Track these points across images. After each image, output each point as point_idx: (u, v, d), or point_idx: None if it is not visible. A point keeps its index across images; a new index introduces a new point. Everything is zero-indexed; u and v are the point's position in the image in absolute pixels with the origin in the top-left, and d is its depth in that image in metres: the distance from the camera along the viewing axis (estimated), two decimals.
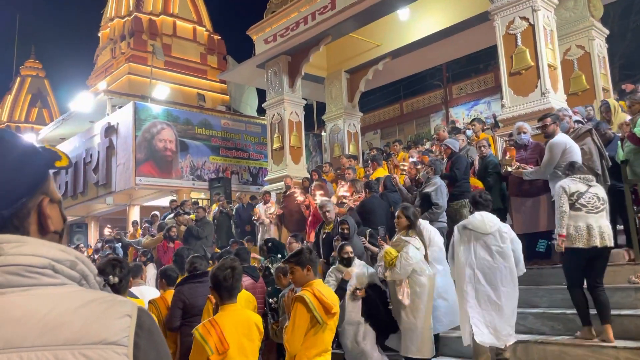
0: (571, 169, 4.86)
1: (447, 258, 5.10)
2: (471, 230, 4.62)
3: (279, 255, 6.16)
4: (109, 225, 13.48)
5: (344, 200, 7.58)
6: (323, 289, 3.32)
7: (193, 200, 13.50)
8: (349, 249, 5.11)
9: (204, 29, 25.72)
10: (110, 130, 16.15)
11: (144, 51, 22.89)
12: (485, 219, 4.64)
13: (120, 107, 16.70)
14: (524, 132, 6.33)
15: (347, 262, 5.05)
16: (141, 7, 24.06)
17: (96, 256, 11.41)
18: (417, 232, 4.89)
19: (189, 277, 4.41)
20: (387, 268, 4.79)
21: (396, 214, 5.06)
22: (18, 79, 36.33)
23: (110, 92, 18.63)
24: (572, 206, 4.60)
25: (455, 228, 4.85)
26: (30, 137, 22.95)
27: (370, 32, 12.17)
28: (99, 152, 16.64)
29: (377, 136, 27.51)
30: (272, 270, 5.62)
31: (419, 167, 7.26)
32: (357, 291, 4.96)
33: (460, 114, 23.67)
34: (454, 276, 4.87)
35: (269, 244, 6.67)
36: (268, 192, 10.73)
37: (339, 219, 6.28)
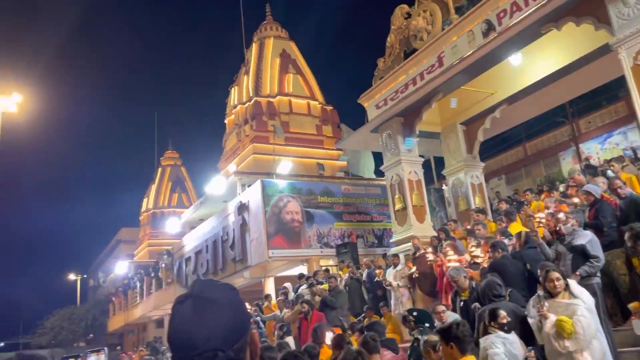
0: None
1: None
2: None
3: (427, 325, 5.65)
4: (246, 304, 14.11)
5: (477, 261, 7.27)
6: None
7: (324, 268, 13.77)
8: (503, 313, 4.39)
9: (317, 102, 27.14)
10: (242, 208, 17.29)
11: (265, 131, 24.65)
12: None
13: (249, 186, 17.89)
14: None
15: (507, 329, 4.31)
16: (259, 92, 26.16)
17: None
18: (571, 293, 4.46)
19: None
20: (565, 338, 4.24)
21: (550, 275, 4.58)
22: (159, 169, 40.69)
23: (239, 173, 20.13)
24: None
25: None
26: (174, 221, 25.31)
27: (482, 82, 11.99)
28: (233, 229, 17.81)
29: (502, 182, 26.29)
30: (421, 343, 5.15)
31: (560, 216, 6.69)
32: None
33: (593, 149, 21.94)
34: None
35: (414, 313, 6.14)
36: (396, 255, 10.64)
37: (473, 284, 6.00)
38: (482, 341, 4.23)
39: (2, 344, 42.65)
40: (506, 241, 6.82)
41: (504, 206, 9.46)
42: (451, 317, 5.05)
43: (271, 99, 25.88)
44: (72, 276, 48.38)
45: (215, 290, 1.12)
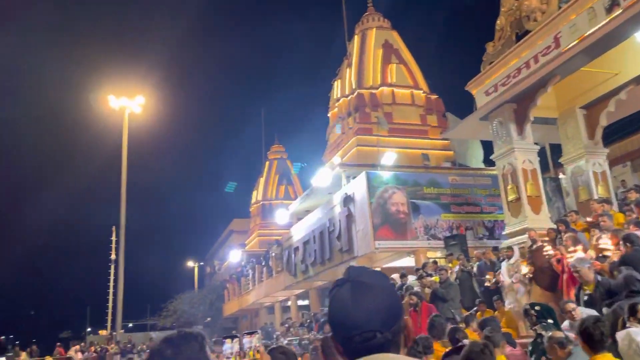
0: None
1: None
2: None
3: (551, 321, 5.31)
4: None
5: (606, 254, 6.77)
6: None
7: (432, 260, 13.59)
8: None
9: (421, 92, 26.66)
10: (347, 200, 17.53)
11: (369, 123, 24.72)
12: None
13: (353, 178, 18.08)
14: None
15: None
16: (362, 84, 26.25)
17: None
18: None
19: (456, 349, 4.34)
20: None
21: None
22: (267, 163, 42.38)
23: (344, 165, 20.41)
24: None
25: None
26: (282, 212, 26.28)
27: (605, 62, 11.06)
28: (339, 220, 18.12)
29: (628, 169, 24.03)
30: (546, 339, 4.79)
31: None
32: None
33: None
34: None
35: (536, 308, 5.76)
36: (510, 248, 10.22)
37: (599, 278, 5.61)
38: (622, 335, 3.97)
39: (131, 325, 46.99)
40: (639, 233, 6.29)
41: (634, 196, 8.70)
42: (583, 312, 4.76)
43: (374, 91, 25.85)
44: (190, 264, 52.19)
45: (370, 276, 1.22)
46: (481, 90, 13.13)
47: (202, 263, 53.48)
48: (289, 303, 26.02)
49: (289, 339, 15.95)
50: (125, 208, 32.36)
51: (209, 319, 37.91)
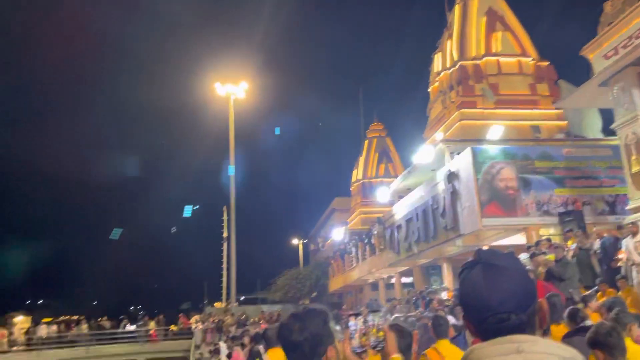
0: None
1: None
2: None
3: None
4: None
5: None
6: None
7: (545, 237, 12.94)
8: None
9: (530, 59, 25.05)
10: (451, 176, 17.12)
11: (472, 96, 23.76)
12: None
13: (457, 154, 17.58)
14: None
15: None
16: (464, 55, 25.21)
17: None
18: None
19: (577, 331, 4.18)
20: None
21: None
22: (366, 142, 42.39)
23: (447, 141, 19.88)
24: None
25: None
26: (383, 191, 26.29)
27: None
28: (444, 197, 17.77)
29: None
30: None
31: None
32: None
33: None
34: None
35: None
36: (634, 223, 9.48)
37: None
38: None
39: (243, 298, 49.85)
40: None
41: None
42: None
43: (477, 62, 24.72)
44: (295, 241, 54.08)
45: (502, 258, 1.24)
46: (599, 54, 12.14)
47: (306, 240, 55.15)
48: (393, 280, 26.13)
49: (395, 315, 16.08)
50: (234, 189, 34.25)
51: (315, 294, 39.17)
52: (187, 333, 28.86)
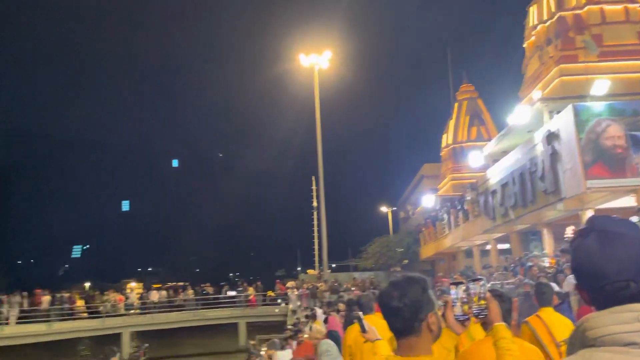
0: None
1: None
2: None
3: None
4: (572, 227, 13.32)
5: None
6: None
7: None
8: None
9: (638, 5, 22.63)
10: (551, 137, 16.11)
11: (573, 49, 21.96)
12: None
13: (557, 112, 16.47)
14: None
15: None
16: (563, 5, 23.26)
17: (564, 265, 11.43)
18: None
19: None
20: None
21: None
22: (456, 105, 40.88)
23: (546, 100, 18.67)
24: None
25: None
26: (476, 155, 25.38)
27: None
28: (542, 160, 16.81)
29: None
30: None
31: None
32: None
33: None
34: None
35: None
36: None
37: None
38: None
39: (334, 265, 50.94)
40: None
41: None
42: None
43: (578, 11, 22.70)
44: (383, 209, 54.02)
45: (618, 224, 1.19)
46: None
47: (395, 208, 54.93)
48: (488, 247, 25.39)
49: (491, 282, 15.67)
50: (322, 159, 34.71)
51: (406, 261, 39.12)
52: (283, 298, 30.11)
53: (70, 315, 27.18)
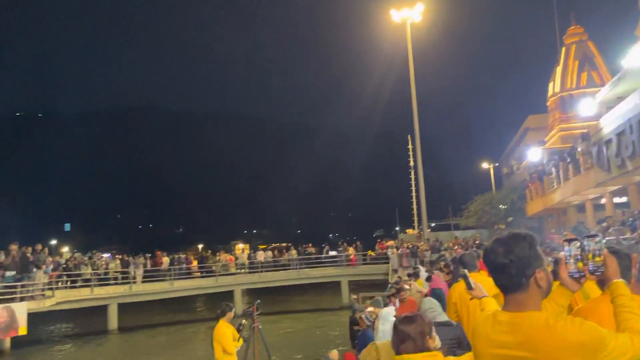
0: None
1: None
2: None
3: None
4: None
5: None
6: None
7: None
8: None
9: None
10: None
11: None
12: None
13: None
14: None
15: None
16: None
17: None
18: None
19: None
20: None
21: None
22: (563, 49, 37.69)
23: None
24: None
25: None
26: (587, 102, 23.49)
27: None
28: None
29: None
30: None
31: None
32: None
33: None
34: None
35: None
36: None
37: None
38: None
39: (434, 225, 50.25)
40: None
41: None
42: None
43: None
44: (485, 165, 51.99)
45: None
46: None
47: (497, 164, 52.73)
48: (603, 201, 23.65)
49: (606, 239, 14.66)
50: (417, 117, 33.91)
51: (510, 219, 37.66)
52: (384, 258, 30.41)
53: (187, 274, 29.53)
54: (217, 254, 33.03)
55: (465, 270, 3.52)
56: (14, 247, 19.92)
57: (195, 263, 31.84)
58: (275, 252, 33.81)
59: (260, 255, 31.91)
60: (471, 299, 3.19)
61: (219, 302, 8.95)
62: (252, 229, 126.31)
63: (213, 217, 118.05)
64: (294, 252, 32.74)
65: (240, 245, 58.03)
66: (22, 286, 19.22)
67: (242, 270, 30.93)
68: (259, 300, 8.11)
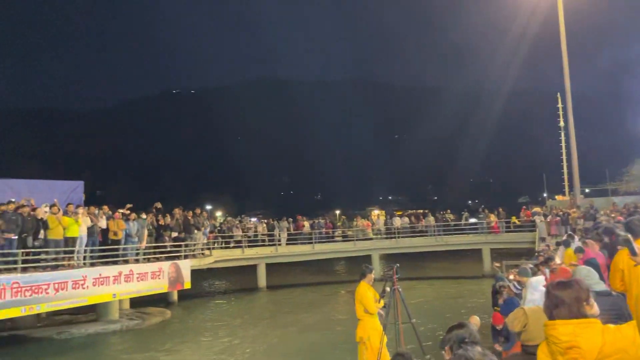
0: None
1: None
2: None
3: None
4: None
5: None
6: None
7: None
8: None
9: None
10: None
11: None
12: None
13: None
14: None
15: None
16: None
17: None
18: None
19: None
20: None
21: None
22: None
23: None
24: None
25: None
26: None
27: None
28: None
29: None
30: None
31: None
32: None
33: None
34: None
35: None
36: None
37: None
38: None
39: (588, 190, 45.86)
40: None
41: None
42: None
43: None
44: None
45: None
46: None
47: None
48: None
49: None
50: (569, 73, 30.90)
51: None
52: (529, 225, 28.65)
53: (326, 238, 30.75)
54: (355, 219, 33.77)
55: (629, 236, 3.21)
56: (177, 211, 22.35)
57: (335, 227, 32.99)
58: (412, 218, 33.61)
59: (397, 222, 31.97)
60: (635, 265, 2.92)
61: (357, 266, 9.22)
62: (388, 196, 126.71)
63: (349, 184, 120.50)
64: (431, 218, 32.26)
65: (376, 212, 58.66)
66: (186, 245, 21.56)
67: (379, 236, 31.34)
68: (397, 264, 8.20)
